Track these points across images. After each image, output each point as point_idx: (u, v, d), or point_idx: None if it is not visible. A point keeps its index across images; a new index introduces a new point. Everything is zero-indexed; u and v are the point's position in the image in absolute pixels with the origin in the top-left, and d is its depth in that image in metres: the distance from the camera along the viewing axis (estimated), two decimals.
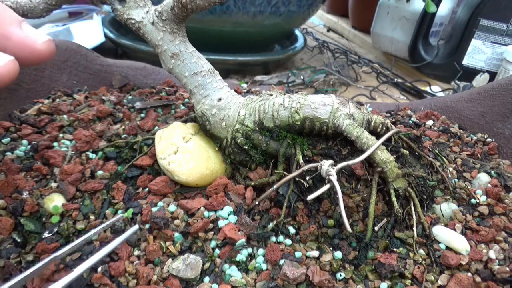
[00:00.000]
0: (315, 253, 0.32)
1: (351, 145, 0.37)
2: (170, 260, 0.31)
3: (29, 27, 0.27)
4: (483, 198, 0.39)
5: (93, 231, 0.31)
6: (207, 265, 0.31)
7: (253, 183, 0.37)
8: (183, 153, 0.37)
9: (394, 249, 0.34)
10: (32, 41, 0.26)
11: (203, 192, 0.37)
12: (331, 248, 0.34)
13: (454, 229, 0.35)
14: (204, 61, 0.39)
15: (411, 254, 0.33)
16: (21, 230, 0.32)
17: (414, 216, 0.35)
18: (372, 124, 0.38)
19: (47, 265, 0.27)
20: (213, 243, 0.33)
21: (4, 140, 0.42)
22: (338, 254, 0.33)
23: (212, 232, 0.33)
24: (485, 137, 0.52)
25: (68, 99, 0.52)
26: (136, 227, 0.31)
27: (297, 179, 0.35)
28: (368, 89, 0.92)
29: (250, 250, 0.32)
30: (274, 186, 0.34)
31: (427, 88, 0.92)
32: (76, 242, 0.29)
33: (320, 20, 1.63)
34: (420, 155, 0.41)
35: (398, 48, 1.08)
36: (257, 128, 0.37)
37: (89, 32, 0.91)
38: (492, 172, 0.44)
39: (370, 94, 0.90)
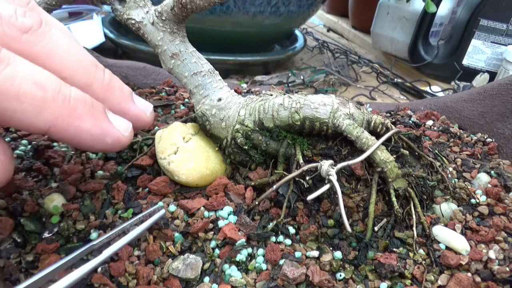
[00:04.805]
0: (315, 253, 0.32)
1: (351, 145, 0.37)
2: (170, 260, 0.31)
3: (139, 99, 0.29)
4: (483, 198, 0.39)
5: (130, 221, 0.31)
6: (207, 265, 0.31)
7: (253, 183, 0.37)
8: (183, 153, 0.37)
9: (394, 249, 0.34)
10: (144, 113, 0.29)
11: (203, 192, 0.37)
12: (331, 248, 0.34)
13: (454, 229, 0.35)
14: (204, 61, 0.39)
15: (411, 254, 0.33)
16: (21, 230, 0.32)
17: (414, 216, 0.35)
18: (372, 124, 0.38)
19: (83, 254, 0.27)
20: (213, 243, 0.33)
21: None
22: (338, 254, 0.33)
23: (212, 232, 0.33)
24: (485, 137, 0.52)
25: None
26: (163, 211, 0.31)
27: (297, 179, 0.35)
28: (368, 89, 0.93)
29: (250, 250, 0.32)
30: (274, 186, 0.34)
31: (427, 88, 0.92)
32: (113, 232, 0.29)
33: (320, 20, 1.63)
34: (420, 155, 0.41)
35: (398, 48, 1.08)
36: (257, 128, 0.37)
37: (89, 32, 0.92)
38: (492, 172, 0.44)
39: (370, 94, 0.90)
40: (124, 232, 0.31)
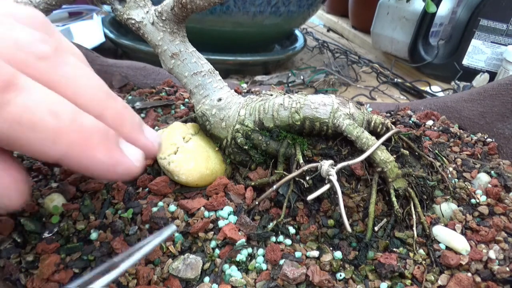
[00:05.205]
0: (315, 253, 0.32)
1: (351, 145, 0.37)
2: (170, 260, 0.31)
3: (148, 129, 0.28)
4: (483, 198, 0.39)
5: (146, 241, 0.28)
6: (207, 265, 0.31)
7: (253, 183, 0.37)
8: (183, 153, 0.37)
9: (394, 249, 0.34)
10: (152, 144, 0.28)
11: (203, 192, 0.37)
12: (331, 248, 0.34)
13: (454, 229, 0.35)
14: (204, 61, 0.39)
15: (411, 254, 0.33)
16: (21, 230, 0.32)
17: (414, 216, 0.35)
18: (372, 124, 0.38)
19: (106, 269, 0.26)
20: (213, 243, 0.33)
21: None
22: (338, 254, 0.33)
23: (212, 232, 0.33)
24: (485, 137, 0.52)
25: None
26: (174, 227, 0.30)
27: (297, 179, 0.35)
28: (368, 89, 0.92)
29: (250, 250, 0.32)
30: (274, 186, 0.34)
31: (427, 88, 0.92)
32: (133, 249, 0.27)
33: (320, 20, 1.63)
34: (420, 155, 0.41)
35: (398, 48, 1.08)
36: (257, 128, 0.37)
37: (89, 32, 0.92)
38: (492, 172, 0.44)
39: (370, 94, 0.90)
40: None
